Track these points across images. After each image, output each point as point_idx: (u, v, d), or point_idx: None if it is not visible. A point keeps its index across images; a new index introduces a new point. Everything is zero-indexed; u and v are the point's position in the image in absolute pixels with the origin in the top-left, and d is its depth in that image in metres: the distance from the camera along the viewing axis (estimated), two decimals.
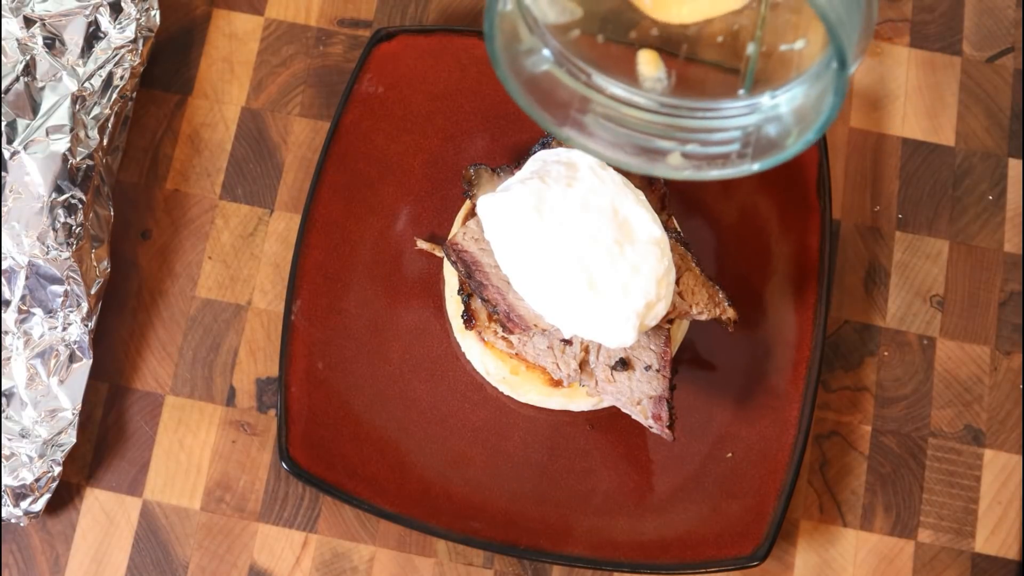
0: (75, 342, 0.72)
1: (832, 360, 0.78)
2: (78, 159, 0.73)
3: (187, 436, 0.75)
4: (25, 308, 0.72)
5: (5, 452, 0.71)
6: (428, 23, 0.83)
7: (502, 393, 0.75)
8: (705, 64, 0.58)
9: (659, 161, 0.58)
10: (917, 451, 0.76)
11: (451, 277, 0.75)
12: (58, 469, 0.71)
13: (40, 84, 0.75)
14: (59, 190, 0.72)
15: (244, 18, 0.83)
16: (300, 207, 0.79)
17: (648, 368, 0.69)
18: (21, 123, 0.74)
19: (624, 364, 0.69)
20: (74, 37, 0.75)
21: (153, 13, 0.78)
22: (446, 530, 0.71)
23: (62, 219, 0.72)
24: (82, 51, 0.75)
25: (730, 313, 0.71)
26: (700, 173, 0.56)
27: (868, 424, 0.77)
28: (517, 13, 0.54)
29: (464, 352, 0.75)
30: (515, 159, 0.77)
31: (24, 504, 0.71)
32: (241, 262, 0.79)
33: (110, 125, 0.76)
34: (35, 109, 0.74)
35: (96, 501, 0.74)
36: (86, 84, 0.75)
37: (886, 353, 0.78)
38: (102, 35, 0.76)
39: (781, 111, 0.54)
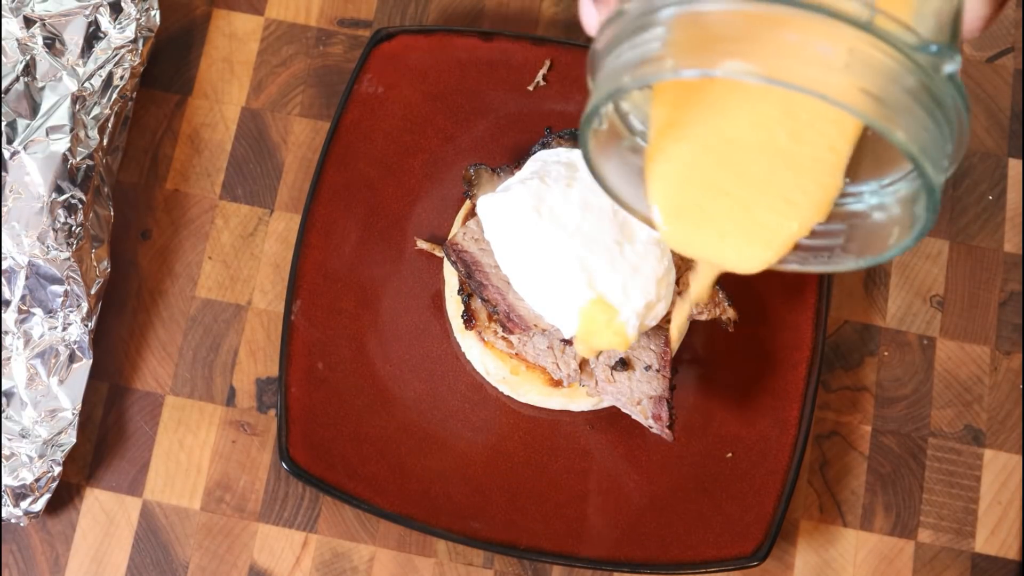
0: (75, 342, 0.72)
1: (832, 360, 0.78)
2: (78, 159, 0.73)
3: (187, 436, 0.75)
4: (25, 308, 0.72)
5: (5, 452, 0.71)
6: (428, 23, 0.83)
7: (502, 393, 0.75)
8: None
9: None
10: (917, 451, 0.76)
11: (451, 277, 0.75)
12: (58, 469, 0.71)
13: (40, 84, 0.75)
14: (59, 190, 0.72)
15: (244, 18, 0.83)
16: (300, 207, 0.79)
17: (648, 368, 0.69)
18: (21, 123, 0.74)
19: (624, 364, 0.69)
20: (74, 37, 0.75)
21: (153, 13, 0.78)
22: (446, 530, 0.71)
23: (62, 219, 0.72)
24: (82, 51, 0.75)
25: (730, 313, 0.71)
26: (805, 266, 0.55)
27: (868, 424, 0.77)
28: (615, 118, 0.53)
29: (464, 352, 0.75)
30: (515, 159, 0.77)
31: (24, 504, 0.71)
32: (241, 262, 0.79)
33: (110, 125, 0.76)
34: (35, 109, 0.74)
35: (96, 501, 0.74)
36: (86, 84, 0.75)
37: (886, 353, 0.78)
38: (102, 35, 0.76)
39: (886, 201, 0.52)
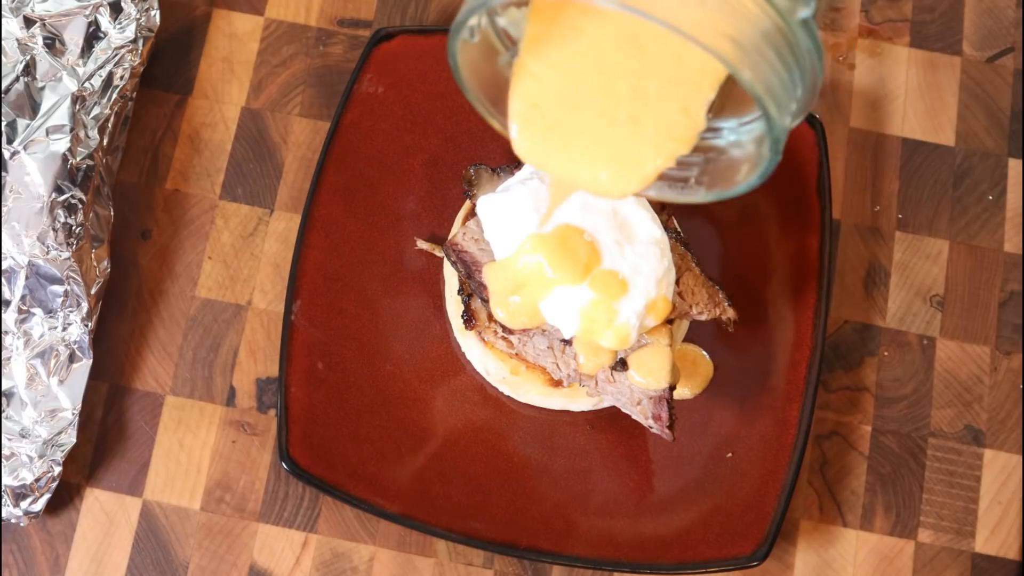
0: (75, 342, 0.72)
1: (832, 360, 0.78)
2: (78, 159, 0.73)
3: (187, 436, 0.75)
4: (25, 308, 0.72)
5: (5, 452, 0.71)
6: (428, 23, 0.83)
7: (502, 393, 0.75)
8: None
9: None
10: (917, 451, 0.76)
11: (451, 277, 0.75)
12: (58, 469, 0.71)
13: (40, 84, 0.75)
14: (59, 190, 0.72)
15: (244, 18, 0.83)
16: (300, 207, 0.79)
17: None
18: (21, 123, 0.74)
19: (624, 364, 0.69)
20: (74, 37, 0.75)
21: (153, 13, 0.78)
22: (446, 530, 0.71)
23: (62, 219, 0.72)
24: (82, 51, 0.75)
25: (730, 313, 0.71)
26: (659, 194, 0.56)
27: (868, 424, 0.77)
28: (491, 33, 0.54)
29: (464, 352, 0.75)
30: (515, 159, 0.77)
31: (24, 504, 0.71)
32: (241, 262, 0.79)
33: (110, 125, 0.76)
34: (35, 109, 0.74)
35: (96, 501, 0.74)
36: (86, 84, 0.75)
37: (886, 353, 0.78)
38: (102, 35, 0.76)
39: (743, 139, 0.54)
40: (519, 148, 0.55)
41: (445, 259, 0.75)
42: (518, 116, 0.55)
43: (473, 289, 0.70)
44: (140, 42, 0.77)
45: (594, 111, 0.53)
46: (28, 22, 0.75)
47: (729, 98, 0.53)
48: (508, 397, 0.75)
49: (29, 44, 0.75)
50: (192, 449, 0.75)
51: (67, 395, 0.72)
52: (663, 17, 0.43)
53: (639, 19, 0.46)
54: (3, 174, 0.72)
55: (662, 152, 0.53)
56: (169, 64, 0.82)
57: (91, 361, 0.73)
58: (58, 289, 0.72)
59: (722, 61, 0.44)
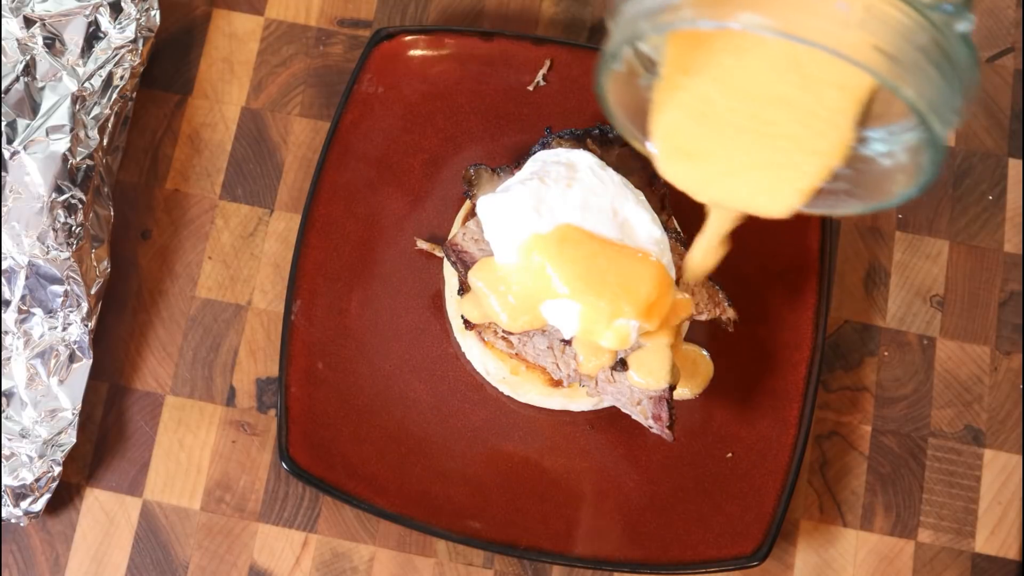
0: (75, 342, 0.72)
1: (832, 360, 0.78)
2: (78, 159, 0.73)
3: (187, 436, 0.75)
4: (25, 308, 0.72)
5: (5, 452, 0.71)
6: (428, 23, 0.83)
7: (502, 393, 0.75)
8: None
9: None
10: (917, 451, 0.76)
11: (451, 277, 0.75)
12: (58, 469, 0.71)
13: (40, 84, 0.75)
14: (59, 190, 0.72)
15: (244, 18, 0.83)
16: (300, 207, 0.79)
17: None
18: (21, 123, 0.74)
19: (624, 364, 0.69)
20: (74, 37, 0.75)
21: (153, 13, 0.78)
22: (446, 530, 0.71)
23: (62, 219, 0.72)
24: (82, 51, 0.75)
25: (730, 313, 0.71)
26: (812, 209, 0.55)
27: (868, 424, 0.77)
28: (632, 59, 0.54)
29: (464, 352, 0.75)
30: (515, 159, 0.77)
31: (24, 504, 0.71)
32: (241, 262, 0.79)
33: (110, 125, 0.76)
34: (35, 109, 0.74)
35: (96, 501, 0.74)
36: (86, 84, 0.75)
37: (886, 353, 0.78)
38: (102, 35, 0.76)
39: (894, 148, 0.53)
40: (667, 171, 0.55)
41: (445, 259, 0.75)
42: (665, 139, 0.54)
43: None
44: (140, 42, 0.77)
45: (743, 131, 0.53)
46: (28, 22, 0.75)
47: (875, 107, 0.53)
48: (508, 397, 0.75)
49: (29, 44, 0.75)
50: (192, 449, 0.75)
51: (67, 395, 0.72)
52: (818, 40, 0.43)
53: (790, 43, 0.46)
54: (3, 174, 0.72)
55: (816, 167, 0.53)
56: (169, 64, 0.82)
57: (91, 361, 0.73)
58: (58, 289, 0.72)
59: (882, 81, 0.44)
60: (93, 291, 0.73)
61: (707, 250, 0.65)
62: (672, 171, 0.56)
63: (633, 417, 0.69)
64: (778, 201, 0.55)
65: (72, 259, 0.72)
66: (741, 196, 0.55)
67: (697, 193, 0.56)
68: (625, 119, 0.55)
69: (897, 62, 0.44)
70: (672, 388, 0.67)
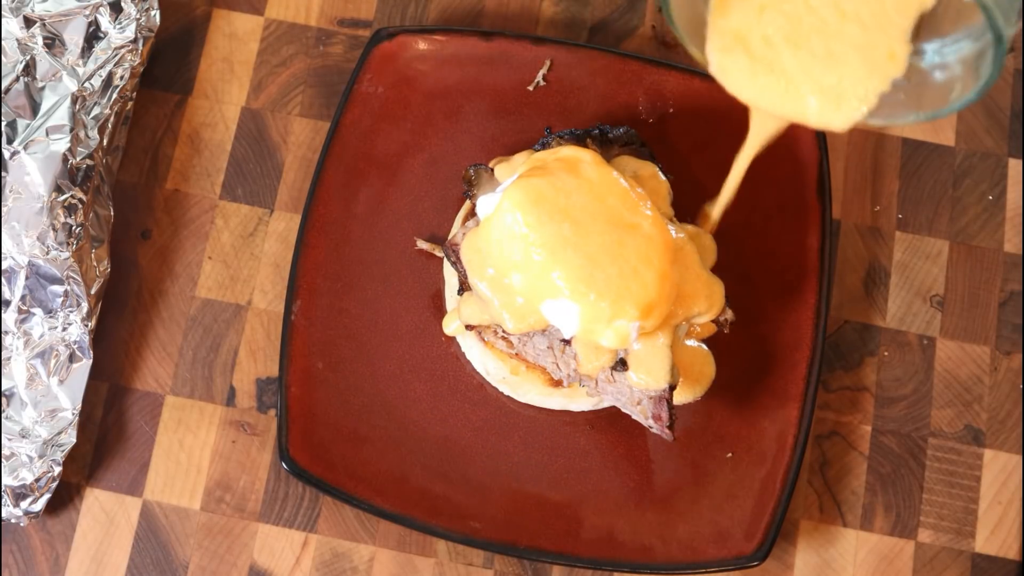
0: (75, 342, 0.72)
1: (832, 360, 0.78)
2: (78, 159, 0.73)
3: (187, 436, 0.75)
4: (25, 308, 0.72)
5: (5, 452, 0.71)
6: (428, 23, 0.83)
7: (502, 393, 0.75)
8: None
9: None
10: (917, 451, 0.76)
11: (451, 277, 0.75)
12: (58, 469, 0.71)
13: (40, 84, 0.75)
14: (59, 190, 0.72)
15: (244, 18, 0.83)
16: (300, 207, 0.79)
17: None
18: (21, 123, 0.74)
19: (624, 364, 0.69)
20: (74, 37, 0.75)
21: (153, 13, 0.78)
22: (446, 530, 0.71)
23: (62, 219, 0.72)
24: (82, 51, 0.75)
25: (728, 314, 0.71)
26: (870, 120, 0.57)
27: (868, 424, 0.77)
28: None
29: (464, 352, 0.75)
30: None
31: (24, 504, 0.71)
32: (241, 262, 0.79)
33: (110, 125, 0.76)
34: (35, 109, 0.74)
35: (96, 501, 0.74)
36: (86, 84, 0.75)
37: (886, 353, 0.78)
38: (102, 35, 0.76)
39: (948, 60, 0.55)
40: (724, 80, 0.57)
41: (445, 259, 0.75)
42: (722, 49, 0.56)
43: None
44: (140, 42, 0.77)
45: (801, 42, 0.55)
46: (28, 22, 0.75)
47: (928, 21, 0.55)
48: (508, 397, 0.75)
49: (29, 44, 0.75)
50: (192, 449, 0.75)
51: (67, 395, 0.72)
52: None
53: None
54: (3, 174, 0.72)
55: (875, 77, 0.55)
56: (169, 64, 0.82)
57: (91, 361, 0.73)
58: (58, 289, 0.72)
59: None
60: (93, 291, 0.73)
61: (741, 171, 0.66)
62: (729, 79, 0.57)
63: (633, 417, 0.69)
64: (839, 111, 0.56)
65: (72, 259, 0.72)
66: (797, 105, 0.57)
67: (753, 101, 0.58)
68: (687, 32, 0.58)
69: None
70: (672, 388, 0.67)
